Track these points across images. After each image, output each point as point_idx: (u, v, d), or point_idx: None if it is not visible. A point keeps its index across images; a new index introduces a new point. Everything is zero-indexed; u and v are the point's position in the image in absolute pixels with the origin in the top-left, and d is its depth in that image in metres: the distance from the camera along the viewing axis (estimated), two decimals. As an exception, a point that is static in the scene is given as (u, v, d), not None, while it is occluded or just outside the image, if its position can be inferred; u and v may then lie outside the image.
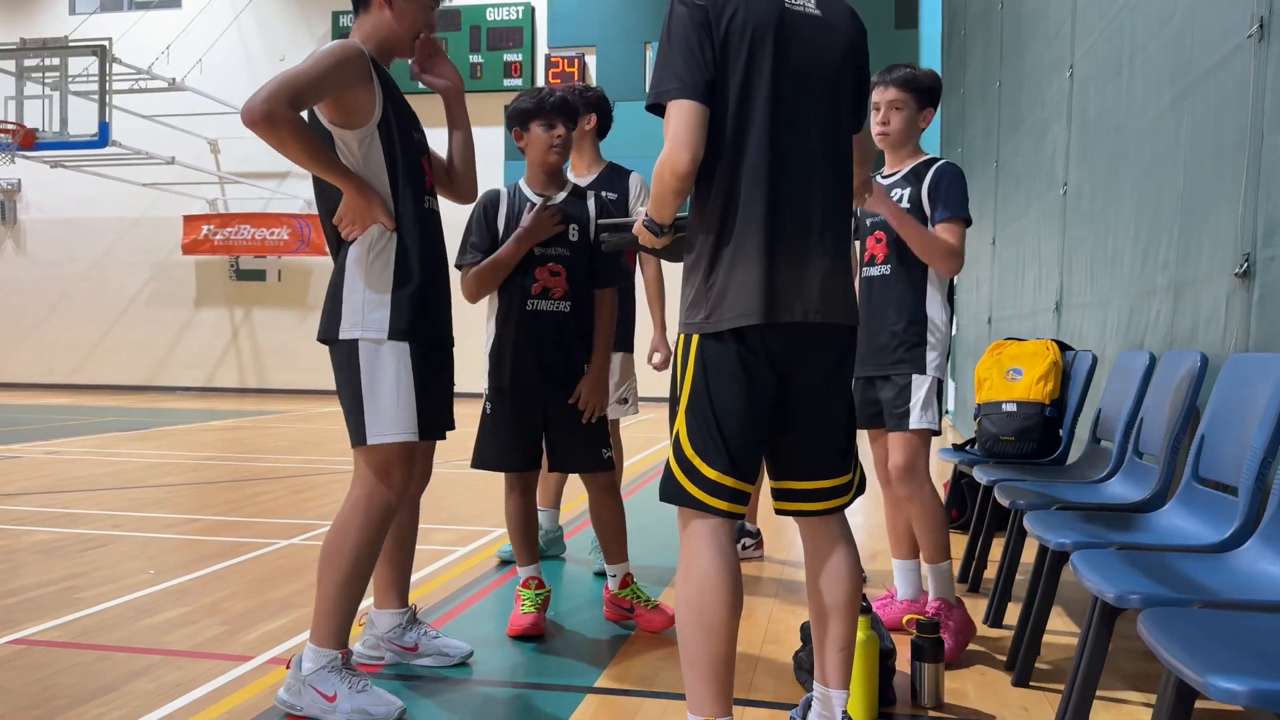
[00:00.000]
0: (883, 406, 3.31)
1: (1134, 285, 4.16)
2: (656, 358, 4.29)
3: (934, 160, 3.30)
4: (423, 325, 2.68)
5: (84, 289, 18.67)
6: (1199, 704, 1.65)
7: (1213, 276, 3.22)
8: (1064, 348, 4.37)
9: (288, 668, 2.68)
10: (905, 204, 3.25)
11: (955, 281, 3.31)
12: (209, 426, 11.51)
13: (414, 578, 3.54)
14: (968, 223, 3.22)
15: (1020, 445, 3.95)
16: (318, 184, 2.69)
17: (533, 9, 17.14)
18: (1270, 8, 2.86)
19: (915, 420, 3.21)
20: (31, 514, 5.57)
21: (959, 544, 3.59)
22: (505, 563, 4.42)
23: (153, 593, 3.87)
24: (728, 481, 2.11)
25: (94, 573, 4.17)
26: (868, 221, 3.38)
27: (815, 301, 2.12)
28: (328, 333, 2.67)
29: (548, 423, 3.42)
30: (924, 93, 3.27)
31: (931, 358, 3.24)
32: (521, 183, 3.46)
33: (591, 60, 16.82)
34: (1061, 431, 4.01)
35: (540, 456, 3.47)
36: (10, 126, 13.89)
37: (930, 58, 14.68)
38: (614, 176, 4.22)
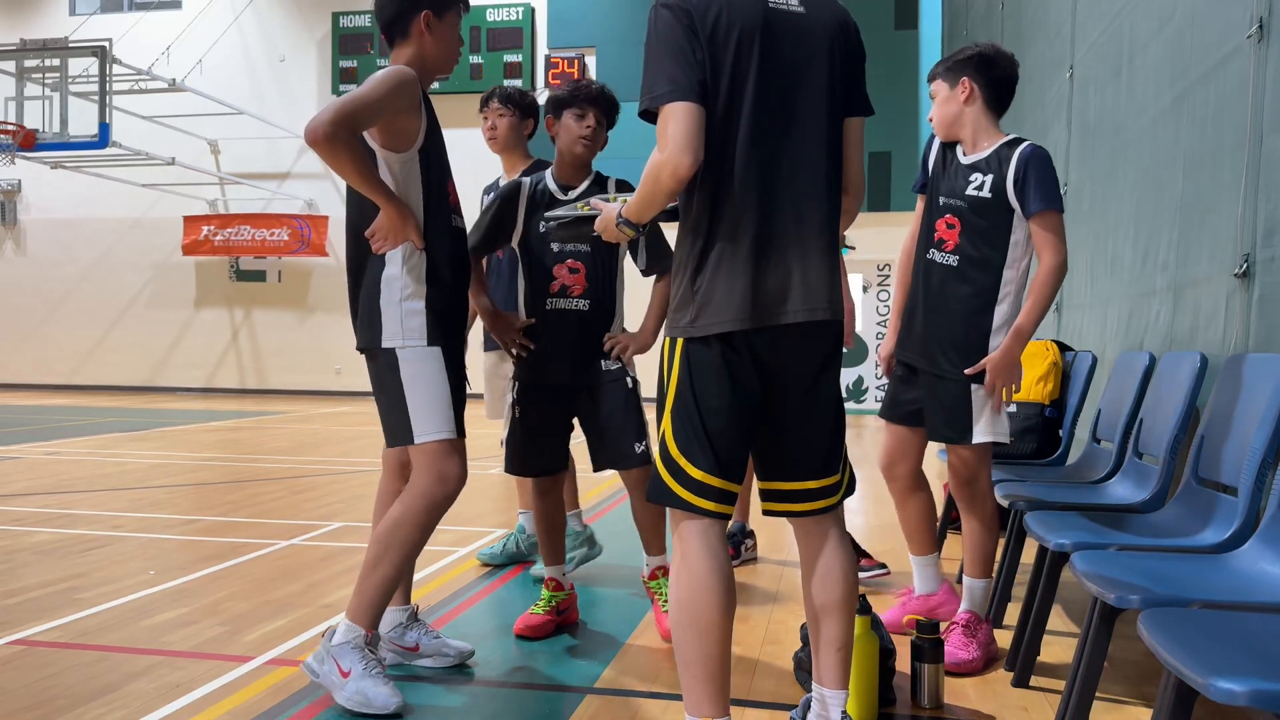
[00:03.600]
0: (925, 408, 3.11)
1: (1134, 286, 4.16)
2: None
3: (1018, 141, 3.03)
4: (451, 332, 2.86)
5: (84, 289, 18.65)
6: (1199, 704, 1.65)
7: (1212, 277, 3.22)
8: (1064, 348, 4.37)
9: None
10: (986, 193, 2.99)
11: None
12: (209, 427, 11.51)
13: (414, 578, 3.54)
14: (1061, 210, 2.99)
15: (1020, 445, 3.95)
16: (355, 198, 2.81)
17: (533, 10, 17.13)
18: (1270, 8, 2.86)
19: (979, 434, 2.99)
20: (31, 514, 5.57)
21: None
22: (498, 566, 4.41)
23: (153, 593, 3.87)
24: (714, 481, 2.10)
25: (94, 573, 4.17)
26: (940, 200, 3.09)
27: (800, 301, 2.11)
28: (370, 341, 2.82)
29: (580, 422, 3.40)
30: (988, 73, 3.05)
31: None
32: (548, 173, 3.40)
33: (591, 61, 16.80)
34: (1061, 432, 4.02)
35: (567, 457, 3.48)
36: (10, 127, 13.87)
37: (930, 58, 14.67)
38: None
